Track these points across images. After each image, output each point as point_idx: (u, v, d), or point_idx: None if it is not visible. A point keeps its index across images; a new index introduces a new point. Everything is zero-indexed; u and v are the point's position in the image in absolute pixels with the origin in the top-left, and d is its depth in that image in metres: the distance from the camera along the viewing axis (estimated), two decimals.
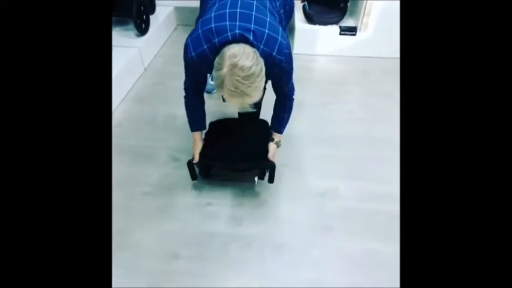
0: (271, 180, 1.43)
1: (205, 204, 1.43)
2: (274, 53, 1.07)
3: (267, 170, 1.42)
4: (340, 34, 2.33)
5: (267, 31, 1.05)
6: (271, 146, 1.40)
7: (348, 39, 2.34)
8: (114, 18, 2.35)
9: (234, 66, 0.94)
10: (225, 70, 0.95)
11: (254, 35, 1.03)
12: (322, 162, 1.63)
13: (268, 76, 1.06)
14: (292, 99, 1.32)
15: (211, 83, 2.01)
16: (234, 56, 0.95)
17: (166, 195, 1.47)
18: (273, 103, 1.36)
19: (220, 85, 0.98)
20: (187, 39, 1.10)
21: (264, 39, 1.04)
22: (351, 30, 2.32)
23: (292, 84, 1.29)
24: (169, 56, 2.42)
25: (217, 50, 1.02)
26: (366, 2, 2.14)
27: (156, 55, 2.43)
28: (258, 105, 1.59)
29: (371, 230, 1.34)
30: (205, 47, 1.05)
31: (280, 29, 1.11)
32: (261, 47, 1.04)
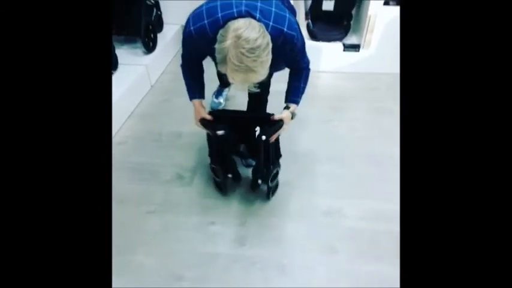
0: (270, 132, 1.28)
1: (208, 223, 1.43)
2: (285, 29, 1.03)
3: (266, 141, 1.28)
4: (344, 51, 2.35)
5: (274, 9, 1.02)
6: (285, 112, 1.30)
7: (351, 55, 2.36)
8: (122, 37, 2.41)
9: (238, 37, 0.89)
10: (228, 42, 0.90)
11: (261, 13, 0.99)
12: (326, 180, 1.62)
13: (280, 57, 1.01)
14: (308, 69, 1.27)
15: (215, 100, 2.03)
16: (239, 28, 0.90)
17: (170, 214, 1.48)
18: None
19: (223, 59, 0.93)
20: (189, 15, 1.06)
21: (272, 16, 1.01)
22: (354, 47, 2.34)
23: (307, 58, 1.24)
24: (176, 73, 2.44)
25: (219, 26, 0.97)
26: (369, 20, 2.16)
27: (163, 72, 2.48)
28: (265, 87, 1.54)
29: (376, 250, 1.32)
30: (205, 21, 1.01)
31: (287, 10, 1.07)
32: (271, 23, 1.00)
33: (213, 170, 1.47)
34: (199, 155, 1.75)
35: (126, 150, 1.80)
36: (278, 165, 1.44)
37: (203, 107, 1.34)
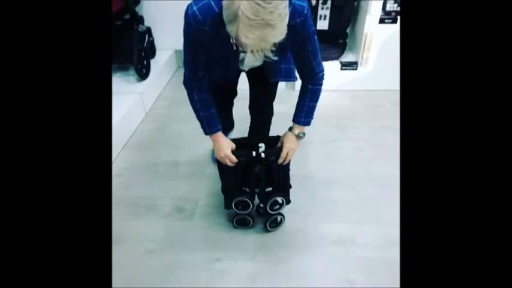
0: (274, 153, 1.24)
1: (214, 260, 1.32)
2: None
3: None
4: (342, 69, 2.33)
5: None
6: (288, 135, 1.22)
7: (349, 73, 2.34)
8: (114, 65, 2.36)
9: None
10: None
11: None
12: (335, 205, 1.54)
13: (291, 33, 0.89)
14: (319, 83, 1.16)
15: None
16: None
17: (171, 251, 1.37)
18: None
19: (234, 16, 0.79)
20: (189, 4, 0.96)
21: None
22: (352, 65, 2.32)
23: (320, 60, 1.11)
24: (170, 99, 2.40)
25: None
26: (366, 38, 2.15)
27: (157, 98, 2.42)
28: (269, 110, 1.46)
29: (395, 280, 1.22)
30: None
31: None
32: None
33: (235, 206, 1.35)
34: (199, 185, 1.66)
35: (122, 183, 1.70)
36: (283, 195, 1.35)
37: (227, 139, 1.24)
